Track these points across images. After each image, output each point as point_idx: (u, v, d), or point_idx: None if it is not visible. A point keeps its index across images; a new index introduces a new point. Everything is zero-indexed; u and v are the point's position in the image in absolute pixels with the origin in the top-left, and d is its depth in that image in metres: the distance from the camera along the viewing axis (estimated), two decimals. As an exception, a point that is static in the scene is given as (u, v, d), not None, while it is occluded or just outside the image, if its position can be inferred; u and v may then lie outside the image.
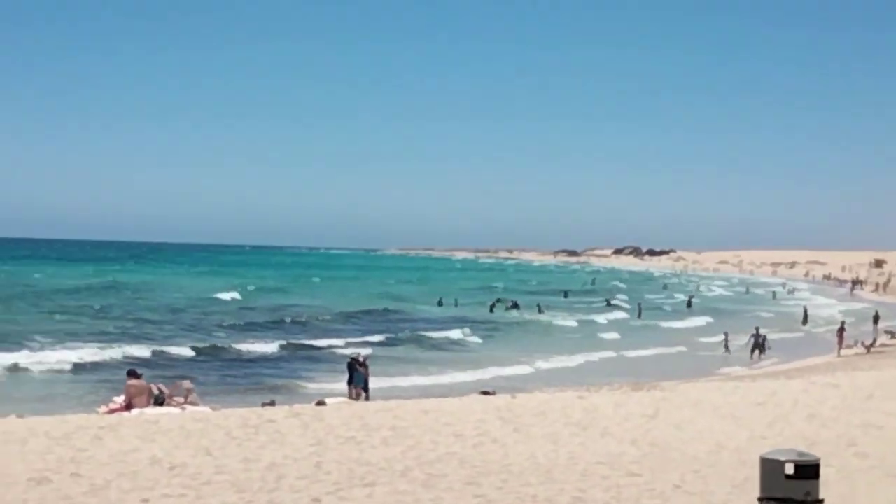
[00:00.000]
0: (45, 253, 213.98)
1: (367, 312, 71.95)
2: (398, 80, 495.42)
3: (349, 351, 36.20)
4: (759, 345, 48.82)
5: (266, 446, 17.22)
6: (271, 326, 59.23)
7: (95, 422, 19.60)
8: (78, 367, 37.84)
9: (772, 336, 52.00)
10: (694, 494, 13.90)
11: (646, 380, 30.62)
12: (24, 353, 39.73)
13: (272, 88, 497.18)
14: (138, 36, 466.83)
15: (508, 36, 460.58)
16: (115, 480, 14.24)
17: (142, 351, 43.05)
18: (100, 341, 45.64)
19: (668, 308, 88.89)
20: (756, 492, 9.04)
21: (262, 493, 13.63)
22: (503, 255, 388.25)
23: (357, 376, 29.11)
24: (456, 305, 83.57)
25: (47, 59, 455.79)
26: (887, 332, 57.26)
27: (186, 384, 26.16)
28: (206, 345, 46.73)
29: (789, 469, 9.00)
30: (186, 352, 43.98)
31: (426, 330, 58.89)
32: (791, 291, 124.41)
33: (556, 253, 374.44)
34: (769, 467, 9.11)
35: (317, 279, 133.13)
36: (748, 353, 48.56)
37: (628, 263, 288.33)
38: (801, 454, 10.34)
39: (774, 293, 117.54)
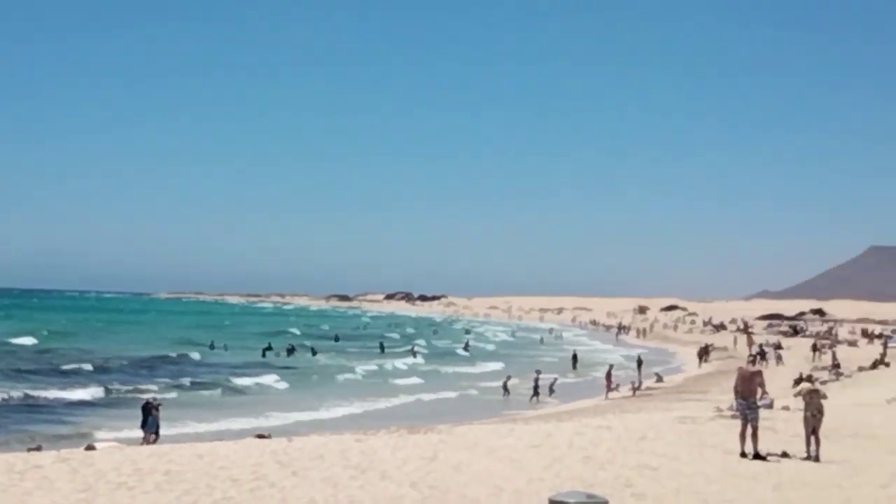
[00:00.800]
0: None
1: (162, 357, 69.56)
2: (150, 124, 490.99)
3: (145, 396, 35.00)
4: (538, 388, 49.45)
5: (32, 493, 16.28)
6: (71, 373, 56.54)
7: None
8: None
9: (543, 379, 52.73)
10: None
11: (424, 423, 30.38)
12: None
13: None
14: None
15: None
16: None
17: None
18: None
19: (460, 353, 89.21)
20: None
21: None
22: (275, 299, 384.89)
23: (151, 420, 28.15)
24: (225, 349, 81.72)
25: None
26: (656, 375, 58.97)
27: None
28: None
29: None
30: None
31: (219, 374, 57.69)
32: (559, 336, 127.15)
33: (328, 298, 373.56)
34: (560, 509, 8.91)
35: (100, 323, 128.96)
36: (529, 397, 49.17)
37: (400, 308, 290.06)
38: (589, 496, 10.22)
39: (542, 338, 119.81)
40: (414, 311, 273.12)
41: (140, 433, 28.48)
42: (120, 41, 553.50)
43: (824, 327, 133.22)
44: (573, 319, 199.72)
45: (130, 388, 48.07)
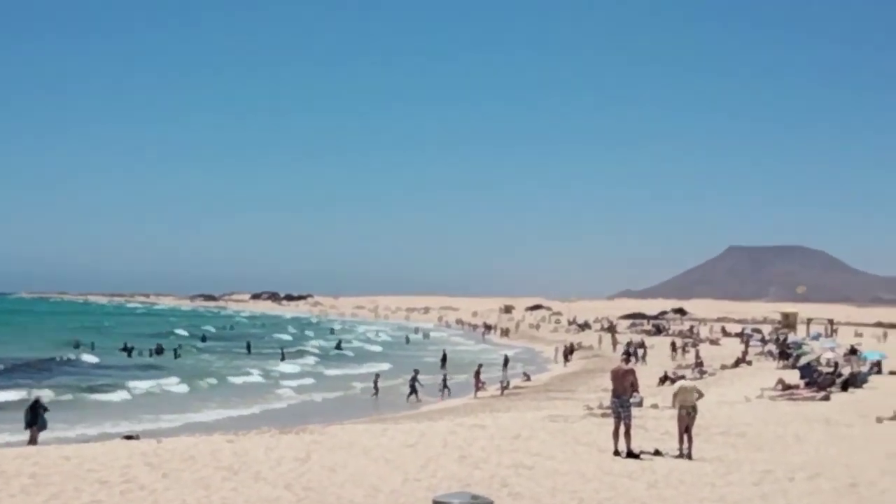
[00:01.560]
0: None
1: (50, 359, 67.23)
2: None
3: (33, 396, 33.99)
4: (415, 387, 49.37)
5: None
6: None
7: None
8: None
9: (426, 378, 52.77)
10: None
11: (298, 423, 29.93)
12: None
13: None
14: None
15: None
16: None
17: None
18: None
19: (348, 354, 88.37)
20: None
21: None
22: (141, 299, 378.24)
23: (41, 420, 27.83)
24: (130, 353, 79.12)
25: None
26: (523, 374, 59.33)
27: None
28: None
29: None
30: None
31: (111, 377, 56.37)
32: (426, 336, 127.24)
33: (193, 297, 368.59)
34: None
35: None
36: (406, 396, 49.11)
37: (267, 308, 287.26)
38: (474, 497, 10.05)
39: (408, 338, 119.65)
40: (281, 310, 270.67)
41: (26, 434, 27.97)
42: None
43: (686, 326, 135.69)
44: (439, 319, 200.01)
45: (22, 391, 45.85)
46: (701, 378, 51.91)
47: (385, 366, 70.09)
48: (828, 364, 48.54)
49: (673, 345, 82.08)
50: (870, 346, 69.40)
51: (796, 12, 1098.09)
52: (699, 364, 62.24)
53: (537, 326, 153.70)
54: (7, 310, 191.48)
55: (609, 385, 23.73)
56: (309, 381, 59.01)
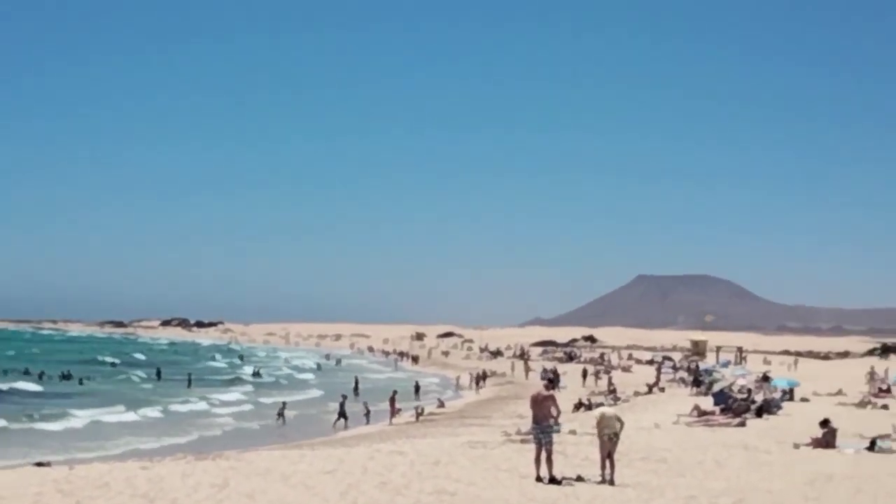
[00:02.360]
0: None
1: None
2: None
3: None
4: (343, 412, 48.98)
5: None
6: None
7: None
8: None
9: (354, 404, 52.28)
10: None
11: (215, 449, 29.34)
12: None
13: None
14: None
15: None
16: None
17: None
18: None
19: (282, 382, 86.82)
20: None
21: None
22: (48, 325, 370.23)
23: None
24: (69, 378, 76.90)
25: None
26: (438, 400, 59.09)
27: None
28: None
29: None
30: None
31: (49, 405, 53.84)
32: (338, 362, 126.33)
33: (102, 324, 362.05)
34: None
35: None
36: (333, 422, 48.82)
37: (178, 335, 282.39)
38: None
39: (319, 365, 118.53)
40: (193, 337, 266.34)
41: None
42: None
43: (596, 353, 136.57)
44: (351, 346, 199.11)
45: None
46: (615, 404, 52.00)
47: (317, 392, 69.92)
48: (740, 391, 48.86)
49: (584, 372, 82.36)
50: (779, 374, 70.21)
51: (691, 24, 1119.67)
52: (612, 391, 62.42)
53: (447, 353, 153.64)
54: None
55: (526, 411, 23.55)
56: (248, 407, 57.66)
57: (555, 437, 22.29)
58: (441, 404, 58.47)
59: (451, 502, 18.63)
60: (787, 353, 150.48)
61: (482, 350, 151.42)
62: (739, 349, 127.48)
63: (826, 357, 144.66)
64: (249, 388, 75.93)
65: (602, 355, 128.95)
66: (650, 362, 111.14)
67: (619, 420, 22.13)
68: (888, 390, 57.56)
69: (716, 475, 23.03)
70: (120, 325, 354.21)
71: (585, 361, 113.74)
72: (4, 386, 67.92)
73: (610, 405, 49.10)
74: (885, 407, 47.47)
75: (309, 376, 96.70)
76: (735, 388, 50.10)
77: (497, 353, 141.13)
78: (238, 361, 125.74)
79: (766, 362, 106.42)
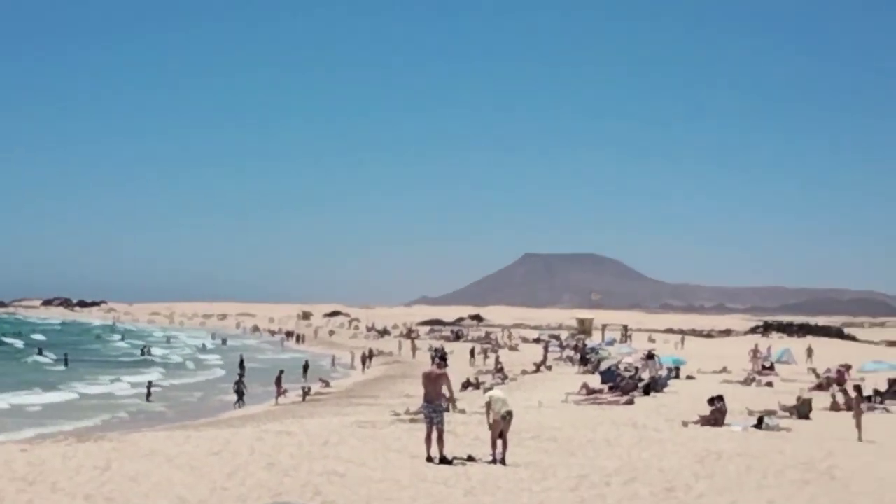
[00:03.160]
0: None
1: None
2: None
3: None
4: (241, 392, 48.85)
5: None
6: None
7: None
8: None
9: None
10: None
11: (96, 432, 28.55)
12: None
13: None
14: None
15: None
16: None
17: None
18: None
19: (189, 365, 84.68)
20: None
21: None
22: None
23: None
24: None
25: None
26: (322, 381, 58.58)
27: None
28: None
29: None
30: None
31: None
32: (224, 342, 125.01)
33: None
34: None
35: None
36: (234, 402, 48.45)
37: (62, 315, 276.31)
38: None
39: (203, 344, 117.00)
40: (77, 317, 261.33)
41: None
42: None
43: (483, 332, 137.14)
44: (237, 325, 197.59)
45: None
46: (503, 383, 52.09)
47: (220, 372, 70.12)
48: (627, 369, 49.22)
49: (472, 351, 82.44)
50: (665, 352, 71.02)
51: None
52: (500, 370, 62.47)
53: (333, 332, 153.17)
54: None
55: (414, 391, 23.26)
56: (157, 389, 55.98)
57: (445, 416, 22.05)
58: (326, 384, 57.98)
59: (341, 483, 18.23)
60: (670, 331, 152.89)
61: (369, 329, 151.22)
62: (625, 327, 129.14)
63: (709, 335, 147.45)
64: (160, 369, 74.38)
65: (488, 334, 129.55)
66: (537, 341, 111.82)
67: (507, 405, 21.80)
68: (771, 367, 58.70)
69: (607, 454, 22.97)
70: (0, 304, 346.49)
71: (473, 340, 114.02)
72: None
73: (498, 384, 49.28)
74: (769, 384, 48.35)
75: (213, 357, 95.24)
76: (622, 367, 50.43)
77: (384, 332, 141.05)
78: (138, 342, 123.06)
79: (651, 340, 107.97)
